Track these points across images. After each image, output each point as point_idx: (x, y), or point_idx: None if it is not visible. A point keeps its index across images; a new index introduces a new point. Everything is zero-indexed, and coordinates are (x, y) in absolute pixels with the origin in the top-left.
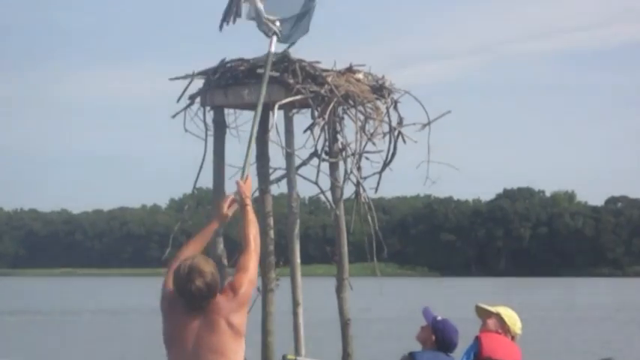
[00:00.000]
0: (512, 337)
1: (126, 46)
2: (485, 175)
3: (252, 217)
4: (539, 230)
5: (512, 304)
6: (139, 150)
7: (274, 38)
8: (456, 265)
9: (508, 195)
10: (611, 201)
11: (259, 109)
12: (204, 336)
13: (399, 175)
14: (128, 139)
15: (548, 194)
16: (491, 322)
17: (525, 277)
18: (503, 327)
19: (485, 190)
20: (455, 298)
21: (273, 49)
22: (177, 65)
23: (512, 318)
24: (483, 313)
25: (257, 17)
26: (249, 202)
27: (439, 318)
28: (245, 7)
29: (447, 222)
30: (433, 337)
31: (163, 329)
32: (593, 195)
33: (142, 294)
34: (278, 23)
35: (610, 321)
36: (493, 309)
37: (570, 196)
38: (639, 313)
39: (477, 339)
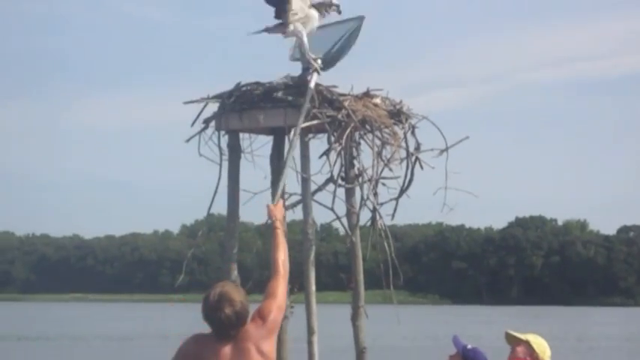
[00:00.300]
0: None
1: (137, 70)
2: (498, 204)
3: (281, 240)
4: (551, 259)
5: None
6: (152, 176)
7: (315, 75)
8: (467, 293)
9: (520, 223)
10: (624, 230)
11: (296, 138)
12: None
13: (412, 203)
14: (141, 164)
15: (560, 223)
16: (521, 350)
17: (537, 306)
18: (532, 355)
19: (497, 219)
20: (468, 326)
21: (312, 85)
22: (192, 89)
23: (541, 346)
24: (513, 340)
25: (301, 57)
26: (279, 225)
27: (469, 347)
28: (289, 48)
29: (459, 249)
30: None
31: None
32: (605, 224)
33: (152, 320)
34: (320, 61)
35: (621, 351)
36: (523, 336)
37: (582, 225)
38: None
39: None
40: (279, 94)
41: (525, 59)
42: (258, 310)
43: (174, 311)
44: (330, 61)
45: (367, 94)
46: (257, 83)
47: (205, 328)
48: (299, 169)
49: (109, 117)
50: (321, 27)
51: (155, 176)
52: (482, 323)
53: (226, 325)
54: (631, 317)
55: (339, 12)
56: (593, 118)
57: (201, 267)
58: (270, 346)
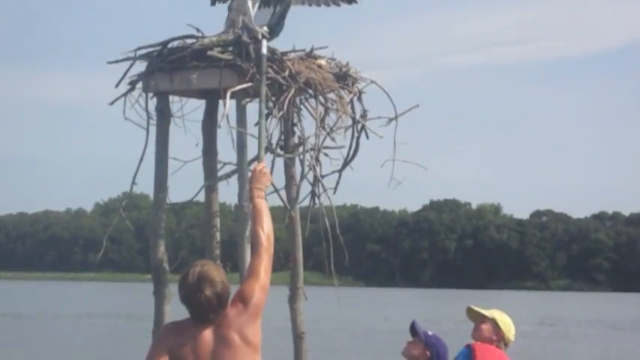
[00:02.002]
0: (505, 345)
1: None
2: (413, 187)
3: (265, 210)
4: (464, 242)
5: (437, 315)
6: (67, 153)
7: (264, 41)
8: (381, 276)
9: (434, 207)
10: (536, 215)
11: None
12: (218, 353)
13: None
14: (58, 139)
15: (474, 206)
16: (486, 328)
17: (451, 289)
18: (498, 334)
19: (411, 202)
20: (383, 308)
21: (264, 51)
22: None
23: (507, 324)
24: (477, 317)
25: (243, 27)
26: (261, 193)
27: (430, 333)
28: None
29: (373, 232)
30: (428, 353)
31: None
32: (518, 208)
33: (65, 298)
34: (265, 28)
35: (534, 335)
36: (488, 313)
37: (496, 209)
38: (562, 327)
39: (471, 349)
40: (215, 52)
41: (447, 43)
42: (239, 292)
43: (88, 289)
44: (271, 32)
45: (311, 55)
46: (190, 37)
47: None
48: (234, 136)
49: (25, 93)
50: None
51: (70, 154)
52: (396, 305)
53: (206, 308)
54: (543, 301)
55: None
56: (508, 103)
57: (115, 245)
58: (254, 333)
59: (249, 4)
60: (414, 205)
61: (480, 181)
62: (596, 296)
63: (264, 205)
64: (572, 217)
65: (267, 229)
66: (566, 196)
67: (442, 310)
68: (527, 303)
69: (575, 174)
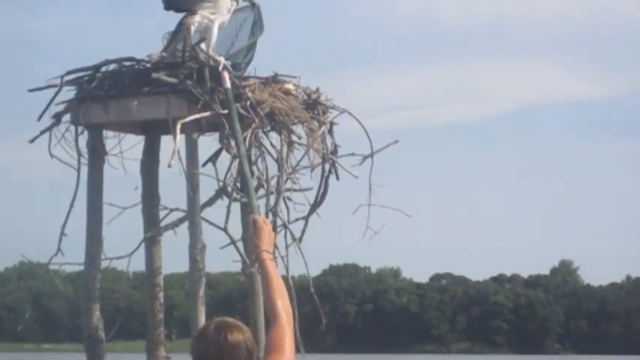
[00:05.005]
0: None
1: None
2: (313, 252)
3: (275, 275)
4: (364, 307)
5: None
6: None
7: (226, 74)
8: None
9: (334, 271)
10: (436, 278)
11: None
12: None
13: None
14: None
15: (373, 270)
16: None
17: (352, 354)
18: None
19: (311, 267)
20: None
21: (229, 85)
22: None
23: None
24: None
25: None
26: (268, 254)
27: None
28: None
29: None
30: None
31: None
32: (418, 272)
33: None
34: (223, 59)
35: None
36: None
37: (395, 273)
38: None
39: None
40: (160, 75)
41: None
42: None
43: None
44: (235, 64)
45: (275, 80)
46: (128, 59)
47: None
48: (184, 176)
49: None
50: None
51: None
52: None
53: (234, 354)
54: None
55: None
56: (404, 167)
57: (12, 315)
58: None
59: (215, 29)
60: (314, 271)
61: (379, 246)
62: (495, 359)
63: (275, 271)
64: (471, 280)
65: (286, 298)
66: (465, 259)
67: None
68: None
69: (472, 236)
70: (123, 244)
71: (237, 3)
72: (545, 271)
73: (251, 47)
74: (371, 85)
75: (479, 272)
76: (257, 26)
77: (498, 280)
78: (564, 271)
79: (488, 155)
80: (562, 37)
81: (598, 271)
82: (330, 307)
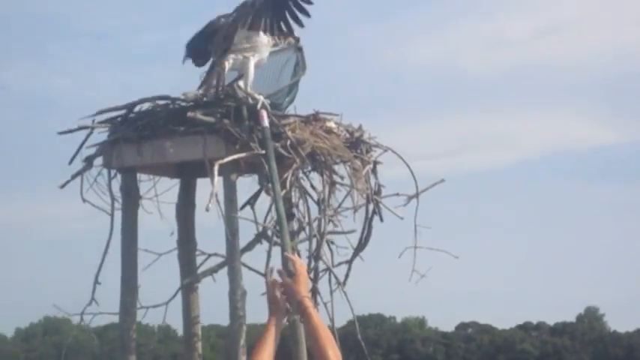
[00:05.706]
0: None
1: None
2: (337, 302)
3: (321, 324)
4: (390, 357)
5: None
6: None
7: (264, 112)
8: None
9: (359, 322)
10: (461, 327)
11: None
12: None
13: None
14: None
15: (399, 320)
16: None
17: None
18: None
19: (337, 317)
20: None
21: (267, 123)
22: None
23: None
24: None
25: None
26: (307, 300)
27: None
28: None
29: None
30: None
31: None
32: (443, 321)
33: None
34: (262, 97)
35: None
36: None
37: (421, 322)
38: None
39: None
40: (196, 114)
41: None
42: None
43: None
44: (275, 104)
45: (316, 118)
46: (161, 98)
47: None
48: (222, 220)
49: None
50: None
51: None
52: None
53: None
54: None
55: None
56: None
57: None
58: None
59: (251, 65)
60: (339, 321)
61: (404, 296)
62: None
63: (320, 320)
64: (497, 328)
65: (336, 348)
66: (491, 308)
67: None
68: None
69: (498, 284)
70: (159, 293)
71: (277, 41)
72: (572, 319)
73: (293, 87)
74: (399, 134)
75: (504, 320)
76: (299, 67)
77: (524, 327)
78: (590, 317)
79: (509, 202)
80: (587, 84)
81: (624, 318)
82: (355, 357)
